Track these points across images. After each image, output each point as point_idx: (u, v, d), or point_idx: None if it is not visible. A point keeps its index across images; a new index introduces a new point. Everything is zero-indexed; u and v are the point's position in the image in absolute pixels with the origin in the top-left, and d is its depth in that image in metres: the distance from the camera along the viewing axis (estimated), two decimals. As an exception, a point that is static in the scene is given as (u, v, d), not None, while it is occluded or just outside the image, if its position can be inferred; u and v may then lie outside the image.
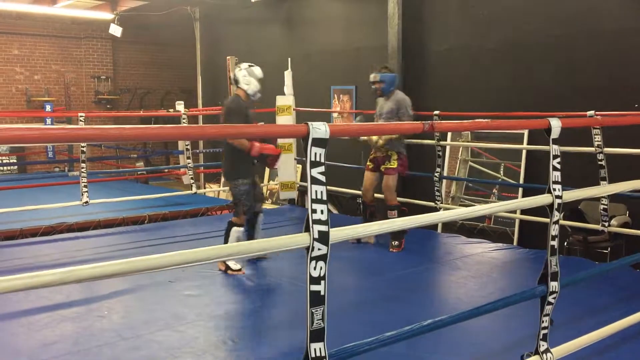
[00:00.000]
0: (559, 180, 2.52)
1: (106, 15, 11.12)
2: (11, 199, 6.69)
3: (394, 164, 5.28)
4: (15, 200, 6.59)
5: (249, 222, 4.92)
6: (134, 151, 11.61)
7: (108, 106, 12.86)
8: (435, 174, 5.97)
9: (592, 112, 4.78)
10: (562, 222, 2.57)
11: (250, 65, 4.74)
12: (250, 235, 4.92)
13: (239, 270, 4.59)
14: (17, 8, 10.80)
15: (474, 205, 7.02)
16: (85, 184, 6.21)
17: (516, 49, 6.76)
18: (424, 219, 2.28)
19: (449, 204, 6.93)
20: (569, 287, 2.73)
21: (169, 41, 12.92)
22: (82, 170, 6.22)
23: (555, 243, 2.54)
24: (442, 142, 6.10)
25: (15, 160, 11.89)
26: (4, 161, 11.84)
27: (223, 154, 5.05)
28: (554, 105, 5.86)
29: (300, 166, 8.08)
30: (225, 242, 4.71)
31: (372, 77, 5.28)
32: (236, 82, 4.72)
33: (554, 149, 2.49)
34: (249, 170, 4.70)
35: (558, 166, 2.51)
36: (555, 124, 2.49)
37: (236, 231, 4.66)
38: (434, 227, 6.51)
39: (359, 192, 7.32)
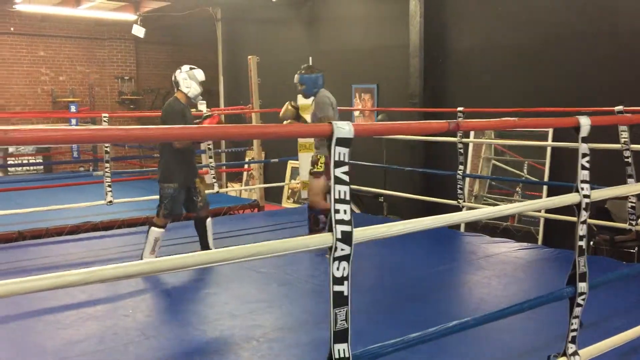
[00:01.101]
0: (587, 179, 2.47)
1: (129, 16, 11.23)
2: (37, 199, 6.80)
3: (320, 168, 5.06)
4: (41, 200, 6.69)
5: (196, 228, 4.93)
6: (157, 151, 11.70)
7: (131, 106, 12.99)
8: (459, 172, 5.90)
9: (620, 108, 4.68)
10: (588, 221, 2.52)
11: (191, 68, 4.66)
12: (202, 243, 4.93)
13: None
14: (42, 10, 10.96)
15: (498, 204, 6.96)
16: (109, 183, 6.27)
17: (539, 46, 6.67)
18: (450, 218, 2.25)
19: (472, 202, 6.86)
20: (596, 287, 2.68)
21: (191, 41, 13.01)
22: (106, 169, 6.28)
23: (583, 243, 2.49)
24: (464, 140, 6.02)
25: (41, 160, 12.08)
26: (30, 161, 12.02)
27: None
28: (577, 101, 5.77)
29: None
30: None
31: (295, 79, 5.19)
32: (177, 84, 4.63)
33: (583, 147, 2.44)
34: (179, 175, 4.66)
35: (587, 165, 2.46)
36: (585, 122, 2.43)
37: (154, 232, 4.66)
38: (456, 226, 6.45)
39: (382, 191, 7.33)
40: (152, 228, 4.67)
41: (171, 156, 4.61)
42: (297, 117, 5.23)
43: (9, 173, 11.68)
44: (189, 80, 4.62)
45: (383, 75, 8.52)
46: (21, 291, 1.46)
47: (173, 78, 4.68)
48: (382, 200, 7.71)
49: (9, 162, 11.97)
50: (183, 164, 4.69)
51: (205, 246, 4.92)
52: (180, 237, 5.70)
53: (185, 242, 5.40)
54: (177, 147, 4.53)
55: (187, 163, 4.78)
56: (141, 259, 4.61)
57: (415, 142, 7.51)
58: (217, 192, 7.25)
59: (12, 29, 11.74)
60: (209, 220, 4.96)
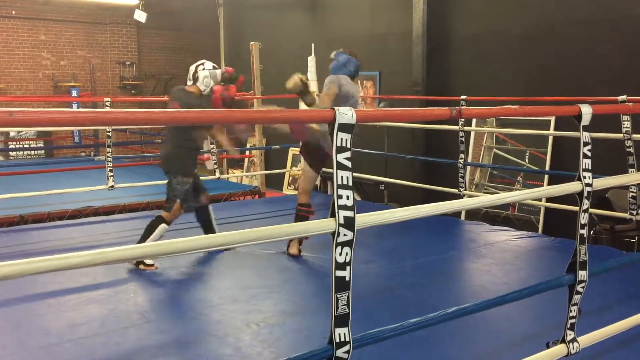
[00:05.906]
0: (589, 167, 2.47)
1: (131, 0, 11.18)
2: (39, 183, 6.80)
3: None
4: (42, 184, 6.70)
5: (200, 216, 4.82)
6: (159, 136, 11.70)
7: (132, 92, 12.96)
8: (460, 161, 5.90)
9: (623, 97, 4.68)
10: (589, 210, 2.53)
11: (214, 67, 4.51)
12: (207, 231, 4.80)
13: (152, 265, 4.29)
14: (44, -6, 10.94)
15: (499, 193, 6.96)
16: (111, 168, 6.28)
17: (543, 34, 6.63)
18: (451, 205, 2.25)
19: (472, 191, 6.87)
20: (596, 275, 2.69)
21: (193, 27, 12.95)
22: (108, 154, 6.29)
23: (584, 232, 2.51)
24: (465, 128, 6.01)
25: (42, 145, 12.08)
26: (32, 145, 12.03)
27: (166, 145, 4.76)
28: (580, 90, 5.75)
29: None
30: (145, 237, 4.34)
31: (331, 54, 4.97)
32: (195, 79, 4.45)
33: (585, 136, 2.45)
34: (193, 168, 4.52)
35: (588, 153, 2.47)
36: (586, 111, 2.44)
37: (163, 228, 4.37)
38: (457, 214, 6.46)
39: (383, 179, 7.33)
40: (162, 225, 4.38)
41: (187, 148, 4.45)
42: (304, 93, 4.75)
43: (10, 157, 11.68)
44: (209, 79, 4.45)
45: (385, 63, 8.48)
46: (26, 272, 1.46)
47: (192, 70, 4.49)
48: (383, 188, 7.72)
49: (10, 146, 11.97)
50: (194, 155, 4.60)
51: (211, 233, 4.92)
52: (183, 222, 5.68)
53: (187, 228, 5.42)
54: (198, 139, 4.45)
55: (196, 155, 4.69)
56: None
57: (417, 130, 7.50)
58: (218, 178, 7.26)
59: (13, 12, 11.69)
60: (210, 207, 4.94)
